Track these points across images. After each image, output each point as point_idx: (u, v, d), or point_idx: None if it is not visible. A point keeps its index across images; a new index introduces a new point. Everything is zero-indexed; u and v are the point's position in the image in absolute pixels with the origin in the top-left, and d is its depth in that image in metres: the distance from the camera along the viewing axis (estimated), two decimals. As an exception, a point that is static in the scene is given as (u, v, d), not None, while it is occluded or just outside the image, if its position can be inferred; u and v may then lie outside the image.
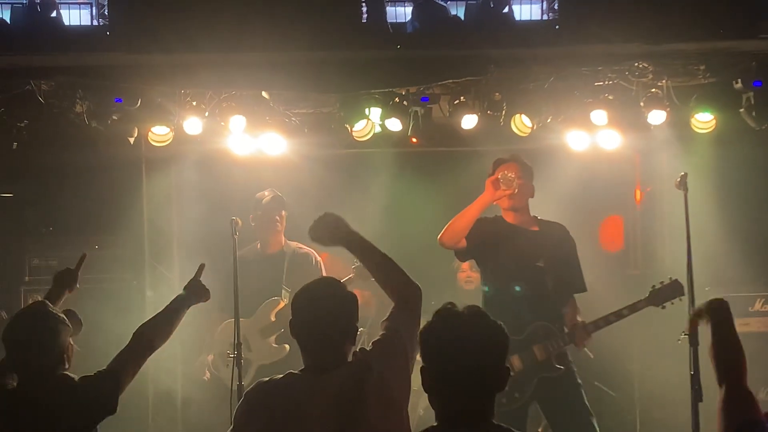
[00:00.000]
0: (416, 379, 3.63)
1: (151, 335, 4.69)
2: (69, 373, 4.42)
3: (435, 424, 3.14)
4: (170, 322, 4.81)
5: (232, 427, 4.04)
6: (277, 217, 7.96)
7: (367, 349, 4.09)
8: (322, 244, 4.42)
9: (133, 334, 4.66)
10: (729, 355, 3.49)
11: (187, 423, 8.36)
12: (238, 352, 6.63)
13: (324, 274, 7.79)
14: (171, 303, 4.90)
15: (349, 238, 4.35)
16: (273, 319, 7.72)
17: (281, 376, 4.05)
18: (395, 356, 4.04)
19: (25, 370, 4.34)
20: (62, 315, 4.47)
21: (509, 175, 6.67)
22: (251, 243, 7.92)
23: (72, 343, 4.46)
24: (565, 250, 6.96)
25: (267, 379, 4.07)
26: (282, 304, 7.72)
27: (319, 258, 7.94)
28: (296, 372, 4.03)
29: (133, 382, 7.72)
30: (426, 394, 3.21)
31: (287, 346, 7.61)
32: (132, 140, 7.45)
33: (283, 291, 7.76)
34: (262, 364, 7.54)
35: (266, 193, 8.01)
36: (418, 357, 3.35)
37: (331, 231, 4.36)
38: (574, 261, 6.97)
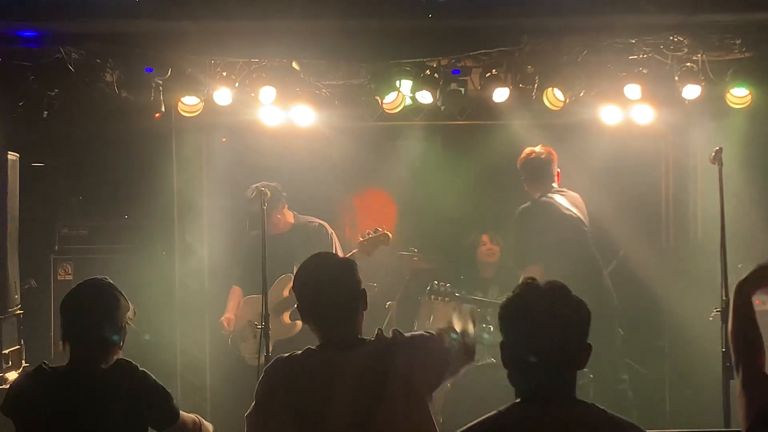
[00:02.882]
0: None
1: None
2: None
3: (517, 400, 3.11)
4: None
5: (254, 403, 4.02)
6: (278, 216, 7.78)
7: (405, 335, 3.99)
8: None
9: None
10: (750, 336, 3.43)
11: (214, 392, 8.40)
12: (265, 324, 6.61)
13: (338, 246, 7.73)
14: None
15: None
16: (286, 294, 7.57)
17: (300, 351, 3.99)
18: (430, 356, 3.93)
19: (83, 339, 4.24)
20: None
21: None
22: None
23: (128, 324, 4.37)
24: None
25: (287, 354, 4.01)
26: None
27: (331, 231, 7.84)
28: (314, 348, 3.97)
29: (162, 351, 7.82)
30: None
31: (299, 323, 7.44)
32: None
33: (295, 267, 7.56)
34: (278, 340, 7.31)
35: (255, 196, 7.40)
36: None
37: None
38: None
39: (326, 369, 3.87)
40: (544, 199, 7.52)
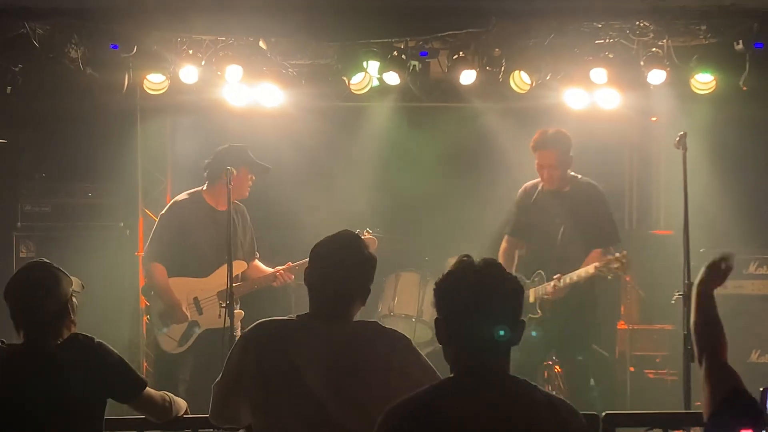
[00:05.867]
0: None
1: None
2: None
3: (451, 375, 3.13)
4: None
5: (223, 371, 4.02)
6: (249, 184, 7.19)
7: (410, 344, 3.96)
8: None
9: None
10: (712, 330, 3.46)
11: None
12: (229, 302, 6.49)
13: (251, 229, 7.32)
14: None
15: None
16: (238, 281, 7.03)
17: (281, 318, 4.03)
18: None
19: (29, 320, 4.19)
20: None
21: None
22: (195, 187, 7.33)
23: (74, 297, 4.32)
24: (589, 207, 7.23)
25: (267, 319, 4.03)
26: (245, 267, 7.20)
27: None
28: (295, 317, 4.01)
29: (126, 329, 7.78)
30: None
31: (242, 312, 6.98)
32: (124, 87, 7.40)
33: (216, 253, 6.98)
34: (209, 329, 6.98)
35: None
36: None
37: None
38: (596, 217, 7.22)
39: (303, 336, 3.89)
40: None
